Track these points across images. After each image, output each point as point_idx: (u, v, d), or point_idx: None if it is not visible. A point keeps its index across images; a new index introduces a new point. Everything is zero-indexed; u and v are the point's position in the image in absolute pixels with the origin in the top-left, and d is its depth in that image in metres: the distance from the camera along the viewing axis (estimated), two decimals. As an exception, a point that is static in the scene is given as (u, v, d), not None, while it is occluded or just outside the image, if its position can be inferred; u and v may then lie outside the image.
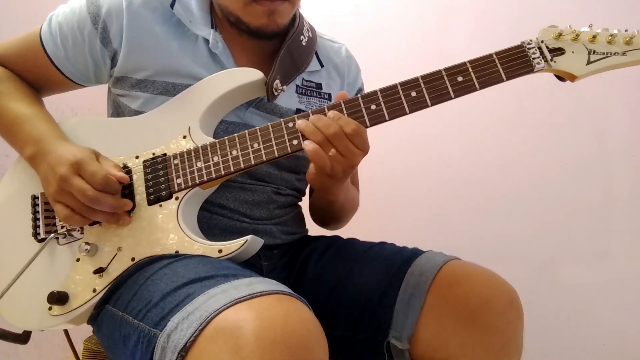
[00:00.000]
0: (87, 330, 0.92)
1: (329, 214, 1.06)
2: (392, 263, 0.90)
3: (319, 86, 1.03)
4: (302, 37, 0.98)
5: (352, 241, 1.01)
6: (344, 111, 0.81)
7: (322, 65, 1.04)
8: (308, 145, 0.78)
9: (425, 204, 1.77)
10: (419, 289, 0.83)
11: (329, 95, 1.03)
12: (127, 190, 0.83)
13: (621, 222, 1.56)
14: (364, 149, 0.80)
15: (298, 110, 0.98)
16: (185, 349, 0.57)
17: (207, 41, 0.92)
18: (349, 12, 1.91)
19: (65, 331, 0.95)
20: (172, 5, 0.92)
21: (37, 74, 0.94)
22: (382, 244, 0.98)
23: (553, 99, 1.54)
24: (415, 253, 0.91)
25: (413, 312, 0.82)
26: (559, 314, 1.59)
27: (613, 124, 1.58)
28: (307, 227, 1.10)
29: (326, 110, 0.81)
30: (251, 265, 0.81)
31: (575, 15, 1.58)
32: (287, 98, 0.96)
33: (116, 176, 0.80)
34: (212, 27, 0.93)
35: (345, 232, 1.08)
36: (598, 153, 1.59)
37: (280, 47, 0.95)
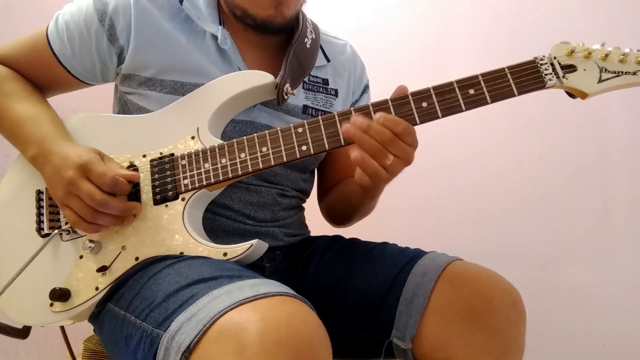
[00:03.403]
0: (87, 330, 0.92)
1: (360, 210, 1.03)
2: (395, 263, 0.90)
3: (325, 82, 1.02)
4: (306, 39, 0.97)
5: (354, 241, 1.01)
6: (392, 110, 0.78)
7: (328, 60, 1.04)
8: (357, 154, 0.75)
9: (426, 205, 1.77)
10: (422, 290, 0.83)
11: (336, 91, 1.03)
12: (134, 189, 0.83)
13: (621, 222, 1.56)
14: (414, 145, 0.78)
15: (305, 107, 0.98)
16: (189, 350, 0.57)
17: (215, 37, 0.92)
18: (349, 11, 1.90)
19: (62, 328, 0.95)
20: (181, 1, 0.92)
21: (43, 73, 0.94)
22: (385, 244, 0.98)
23: (553, 99, 1.54)
24: (418, 254, 0.91)
25: (416, 312, 0.82)
26: (559, 314, 1.59)
27: (613, 124, 1.57)
28: (309, 228, 1.10)
29: (371, 109, 0.78)
30: (254, 266, 0.80)
31: (573, 16, 1.57)
32: (294, 95, 0.96)
33: (125, 176, 0.79)
34: (220, 24, 0.93)
35: (347, 232, 1.08)
36: (598, 153, 1.58)
37: (287, 45, 0.95)
